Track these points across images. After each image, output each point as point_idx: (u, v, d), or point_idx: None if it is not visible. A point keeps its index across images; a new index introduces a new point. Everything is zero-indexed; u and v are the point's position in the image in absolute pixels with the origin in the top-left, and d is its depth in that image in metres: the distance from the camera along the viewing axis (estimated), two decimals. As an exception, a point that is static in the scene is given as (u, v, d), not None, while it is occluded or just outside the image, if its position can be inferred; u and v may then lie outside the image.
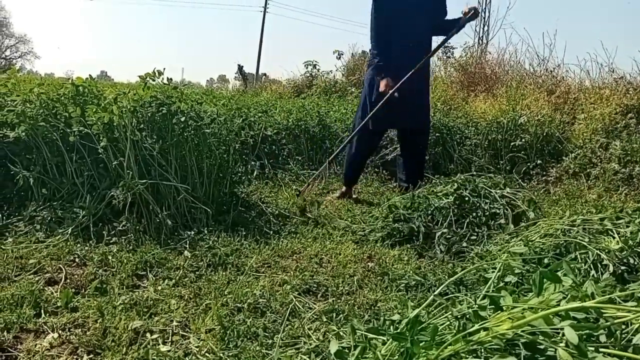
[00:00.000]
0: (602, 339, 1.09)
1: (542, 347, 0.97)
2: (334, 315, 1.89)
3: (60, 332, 1.71)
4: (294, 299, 2.01)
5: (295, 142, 5.27)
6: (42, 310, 1.85)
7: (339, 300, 2.07)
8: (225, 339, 1.69)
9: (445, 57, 8.96)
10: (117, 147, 2.88)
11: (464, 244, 2.65)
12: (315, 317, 1.89)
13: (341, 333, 1.70)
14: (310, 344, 1.66)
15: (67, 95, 3.06)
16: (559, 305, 1.13)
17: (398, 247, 2.75)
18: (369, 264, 2.53)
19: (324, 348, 1.62)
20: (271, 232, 2.96)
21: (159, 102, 2.99)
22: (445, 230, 2.72)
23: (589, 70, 6.35)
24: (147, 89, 2.99)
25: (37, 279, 2.13)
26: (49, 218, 2.73)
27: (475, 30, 17.73)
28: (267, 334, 1.74)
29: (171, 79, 3.09)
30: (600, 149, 4.56)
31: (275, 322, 1.84)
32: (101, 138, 2.83)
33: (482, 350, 0.99)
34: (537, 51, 7.01)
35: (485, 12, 19.15)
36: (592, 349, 1.03)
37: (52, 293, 2.01)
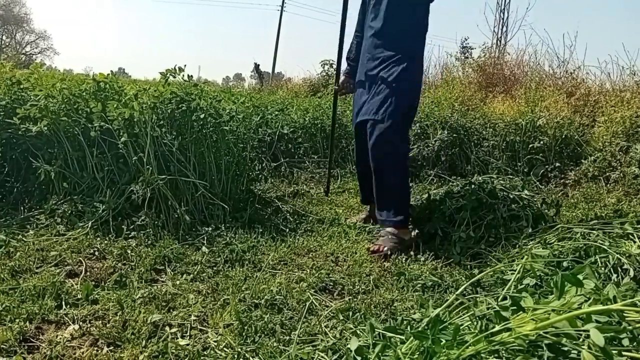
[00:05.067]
0: (625, 342, 1.08)
1: (565, 349, 0.97)
2: (351, 313, 1.89)
3: (81, 323, 1.74)
4: (311, 297, 2.02)
5: (311, 141, 5.29)
6: (63, 302, 1.88)
7: (355, 299, 2.07)
8: (243, 334, 1.70)
9: (463, 57, 8.91)
10: (137, 142, 2.91)
11: (482, 246, 2.63)
12: (332, 315, 1.90)
13: (358, 331, 1.71)
14: (327, 342, 1.66)
15: (89, 90, 3.10)
16: (580, 308, 1.12)
17: (414, 248, 2.74)
18: (385, 263, 2.53)
19: (341, 346, 1.62)
20: (287, 229, 2.97)
21: (179, 99, 3.02)
22: (462, 234, 2.70)
23: (610, 73, 6.26)
24: (168, 86, 3.01)
25: (58, 271, 2.17)
26: (70, 212, 2.77)
27: (494, 30, 17.59)
28: (284, 331, 1.75)
29: (191, 76, 3.12)
30: (621, 153, 4.50)
31: (292, 319, 1.85)
32: (122, 133, 2.86)
33: (504, 351, 0.99)
34: (557, 52, 6.95)
35: (503, 13, 18.98)
36: (615, 352, 1.02)
37: (72, 285, 2.05)
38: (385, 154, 2.82)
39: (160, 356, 1.57)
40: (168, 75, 3.01)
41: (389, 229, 2.77)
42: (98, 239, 2.57)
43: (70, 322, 1.75)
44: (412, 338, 1.17)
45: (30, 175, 3.07)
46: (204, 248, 2.52)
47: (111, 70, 3.20)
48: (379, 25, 2.93)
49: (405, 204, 2.88)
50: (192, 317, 1.82)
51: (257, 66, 16.94)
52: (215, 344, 1.66)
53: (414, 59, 2.91)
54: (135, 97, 2.89)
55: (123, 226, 2.69)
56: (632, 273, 1.91)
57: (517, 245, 2.56)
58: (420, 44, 2.97)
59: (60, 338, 1.64)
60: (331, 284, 2.20)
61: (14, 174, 3.17)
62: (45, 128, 2.93)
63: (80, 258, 2.31)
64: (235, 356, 1.59)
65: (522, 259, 2.06)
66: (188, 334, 1.72)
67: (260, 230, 2.86)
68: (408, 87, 2.86)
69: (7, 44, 42.05)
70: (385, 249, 2.60)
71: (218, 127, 3.12)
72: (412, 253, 2.63)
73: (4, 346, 1.57)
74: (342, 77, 3.44)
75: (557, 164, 4.71)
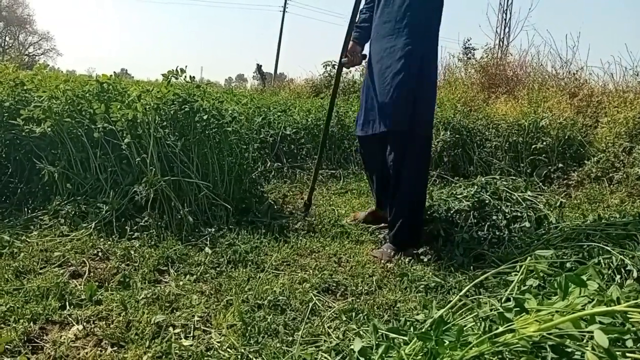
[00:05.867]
0: (629, 344, 1.08)
1: (569, 350, 0.97)
2: (354, 314, 1.90)
3: (84, 324, 1.74)
4: (314, 298, 2.02)
5: (314, 142, 5.28)
6: (67, 303, 1.89)
7: (358, 300, 2.08)
8: (246, 334, 1.71)
9: (465, 58, 8.91)
10: (141, 143, 2.92)
11: (485, 247, 2.63)
12: (335, 315, 1.90)
13: (361, 332, 1.71)
14: (331, 342, 1.66)
15: (92, 92, 3.11)
16: (584, 309, 1.12)
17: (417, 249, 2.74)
18: (387, 264, 2.53)
19: (345, 347, 1.62)
20: (290, 230, 2.97)
21: (182, 100, 3.02)
22: (465, 235, 2.70)
23: (613, 74, 6.27)
24: (170, 87, 3.02)
25: (61, 271, 2.17)
26: (73, 212, 2.78)
27: (496, 31, 17.58)
28: (287, 331, 1.76)
29: (194, 77, 3.13)
30: (624, 153, 4.49)
31: (295, 319, 1.85)
32: (125, 135, 2.87)
33: (508, 352, 0.99)
34: (560, 53, 6.94)
35: (506, 13, 18.98)
36: (619, 353, 1.02)
37: (76, 286, 2.05)
38: (407, 166, 2.71)
39: (164, 356, 1.58)
40: (170, 77, 3.02)
41: (392, 245, 2.72)
42: (101, 239, 2.57)
43: (74, 323, 1.76)
44: (415, 339, 1.17)
45: (34, 176, 3.08)
46: (207, 249, 2.53)
47: (114, 72, 3.22)
48: (392, 16, 2.77)
49: (417, 226, 2.79)
50: (196, 318, 1.82)
51: (259, 67, 16.96)
52: (219, 344, 1.66)
53: (425, 56, 2.71)
54: (139, 98, 2.90)
55: (126, 227, 2.70)
56: (635, 274, 1.91)
57: (520, 246, 2.56)
58: (432, 36, 2.79)
59: (64, 338, 1.65)
60: (334, 284, 2.21)
61: (18, 175, 3.18)
62: (49, 129, 2.94)
63: (84, 259, 2.32)
64: (239, 357, 1.59)
65: (525, 260, 2.06)
66: (191, 334, 1.72)
67: (263, 231, 2.86)
68: (418, 93, 2.67)
69: (10, 45, 42.19)
70: (382, 261, 2.59)
71: (221, 128, 3.12)
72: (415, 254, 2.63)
73: (9, 346, 1.57)
74: (350, 44, 3.04)
75: (560, 165, 4.70)
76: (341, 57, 3.07)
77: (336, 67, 3.27)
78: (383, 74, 2.77)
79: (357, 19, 3.06)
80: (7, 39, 42.65)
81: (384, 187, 2.98)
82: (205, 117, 3.00)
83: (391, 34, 2.76)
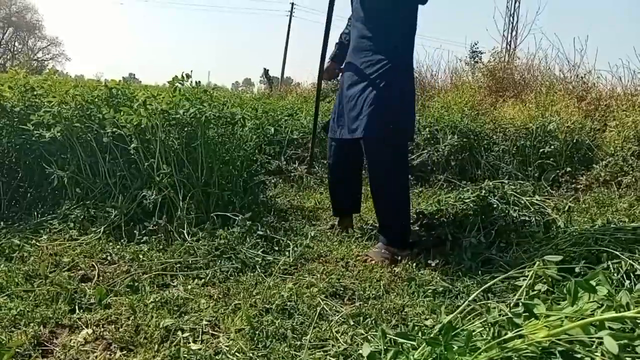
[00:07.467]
0: (639, 350, 1.08)
1: (578, 356, 0.97)
2: (362, 319, 1.89)
3: (94, 328, 1.76)
4: (321, 302, 2.02)
5: (321, 146, 5.28)
6: (77, 306, 1.90)
7: (366, 304, 2.07)
8: (255, 339, 1.71)
9: (473, 62, 8.90)
10: (149, 148, 2.94)
11: (493, 251, 2.62)
12: (343, 320, 1.90)
13: (369, 337, 1.71)
14: (339, 347, 1.66)
15: (101, 97, 3.14)
16: (593, 314, 1.12)
17: (425, 253, 2.73)
18: (395, 268, 2.52)
19: (352, 351, 1.62)
20: (297, 235, 2.97)
21: (189, 105, 3.04)
22: (473, 240, 2.69)
23: (621, 77, 6.23)
24: (178, 92, 3.03)
25: (71, 275, 2.19)
26: (82, 217, 2.80)
27: (504, 35, 17.57)
28: (295, 336, 1.76)
29: (199, 82, 3.14)
30: (632, 157, 4.46)
31: (303, 324, 1.85)
32: (133, 139, 2.89)
33: (517, 358, 0.99)
34: (568, 57, 6.92)
35: (513, 17, 18.97)
36: (629, 359, 1.02)
37: (85, 290, 2.06)
38: (383, 172, 2.72)
39: (173, 360, 1.58)
40: (176, 83, 3.03)
41: (383, 244, 2.72)
42: (110, 243, 2.59)
43: (84, 327, 1.77)
44: (424, 344, 1.17)
45: (44, 181, 3.10)
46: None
47: (122, 77, 3.25)
48: (361, 25, 2.77)
49: (403, 226, 2.78)
50: (204, 322, 1.83)
51: (266, 71, 16.97)
52: (227, 348, 1.66)
53: (399, 65, 2.70)
54: (144, 103, 2.91)
55: (135, 231, 2.71)
56: (645, 279, 1.90)
57: (528, 251, 2.55)
58: (405, 45, 2.77)
59: (74, 342, 1.66)
60: (342, 289, 2.20)
61: (28, 179, 3.21)
62: (59, 134, 2.96)
63: (93, 263, 2.34)
64: (247, 361, 1.59)
65: (533, 264, 2.05)
66: (200, 338, 1.73)
67: (270, 235, 2.86)
68: (392, 100, 2.65)
69: (20, 50, 42.64)
70: (373, 262, 2.59)
71: (228, 133, 3.14)
72: (422, 258, 2.63)
73: (19, 350, 1.59)
74: (327, 63, 3.15)
75: (568, 169, 4.67)
76: (320, 70, 3.14)
77: (317, 78, 3.33)
78: (356, 82, 2.76)
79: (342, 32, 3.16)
80: (16, 44, 43.11)
81: (350, 193, 3.14)
82: (212, 121, 3.01)
83: (364, 46, 2.74)
